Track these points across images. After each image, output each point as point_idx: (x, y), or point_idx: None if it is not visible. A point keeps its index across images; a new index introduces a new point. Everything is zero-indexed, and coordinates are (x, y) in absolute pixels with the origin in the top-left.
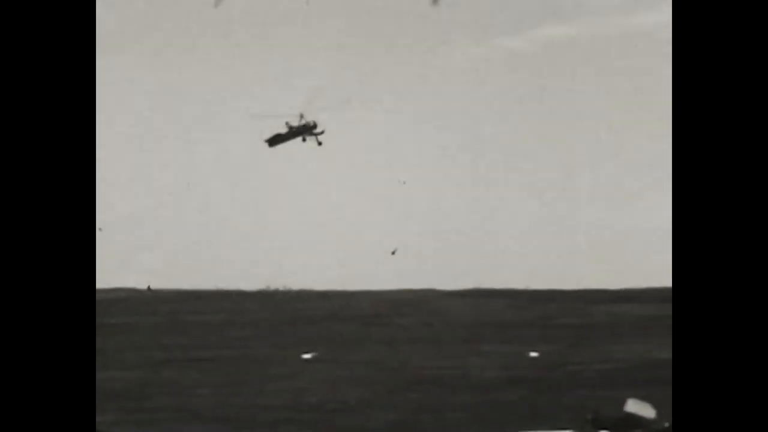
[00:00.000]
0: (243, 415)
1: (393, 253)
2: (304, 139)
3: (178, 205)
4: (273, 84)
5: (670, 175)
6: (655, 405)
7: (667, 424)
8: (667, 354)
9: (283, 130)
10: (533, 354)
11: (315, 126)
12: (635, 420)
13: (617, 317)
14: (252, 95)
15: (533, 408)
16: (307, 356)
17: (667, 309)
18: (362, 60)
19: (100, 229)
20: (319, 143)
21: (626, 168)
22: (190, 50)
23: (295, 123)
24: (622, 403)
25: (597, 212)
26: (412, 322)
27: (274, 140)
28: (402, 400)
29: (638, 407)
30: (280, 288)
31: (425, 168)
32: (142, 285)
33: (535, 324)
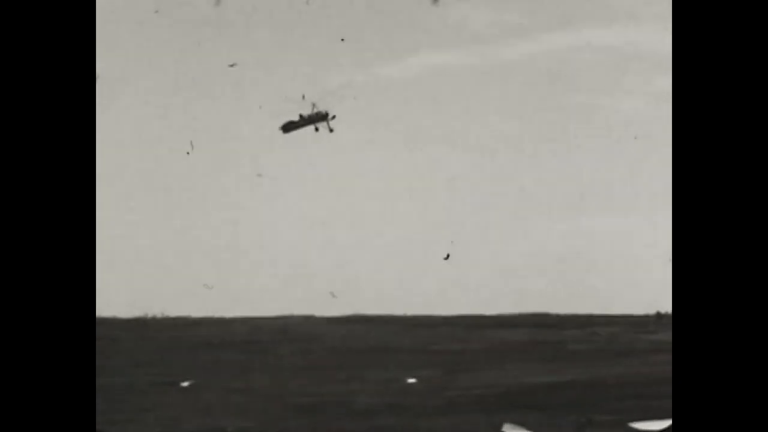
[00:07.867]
0: None
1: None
2: (316, 129)
3: None
4: (274, 80)
5: (543, 201)
6: (530, 429)
7: None
8: (541, 378)
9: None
10: (411, 380)
11: (327, 114)
12: None
13: (494, 343)
14: (254, 90)
15: None
16: (184, 384)
17: (541, 334)
18: None
19: None
20: (331, 130)
21: (502, 196)
22: (192, 50)
23: (307, 113)
24: (499, 427)
25: (472, 239)
26: (291, 349)
27: (288, 127)
28: (281, 428)
29: None
30: (157, 315)
31: (306, 193)
32: None
33: (413, 350)
